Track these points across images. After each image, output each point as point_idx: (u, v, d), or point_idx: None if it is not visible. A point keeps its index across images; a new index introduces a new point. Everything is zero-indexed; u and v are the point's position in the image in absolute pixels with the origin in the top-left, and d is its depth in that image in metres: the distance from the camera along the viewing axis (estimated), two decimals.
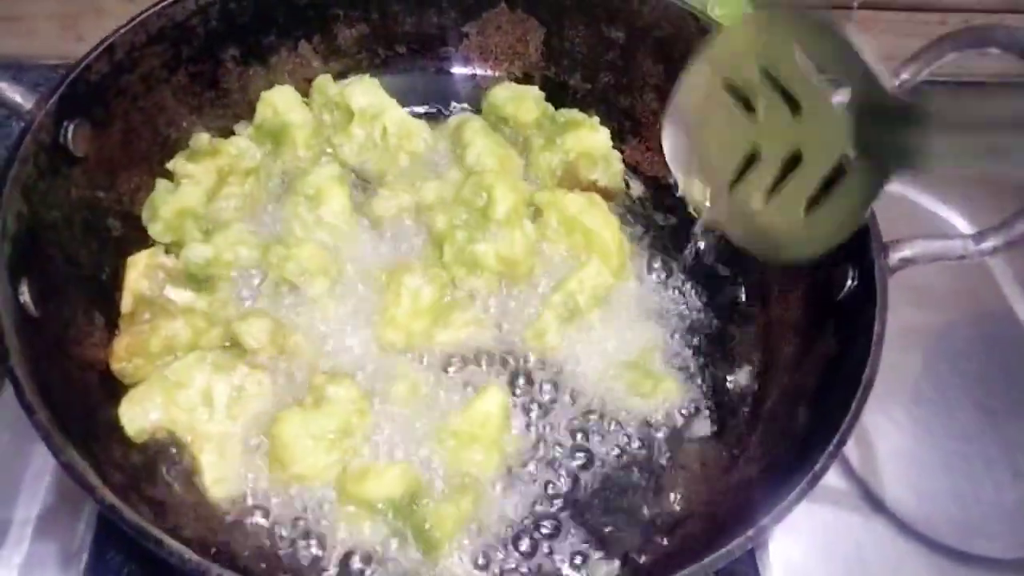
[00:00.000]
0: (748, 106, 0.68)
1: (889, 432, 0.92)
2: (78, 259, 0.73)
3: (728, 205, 0.70)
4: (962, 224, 1.06)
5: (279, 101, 0.86)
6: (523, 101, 0.91)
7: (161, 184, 0.81)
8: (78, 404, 0.66)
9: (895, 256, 0.67)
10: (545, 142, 0.89)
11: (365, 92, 0.87)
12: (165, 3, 0.79)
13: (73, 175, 0.73)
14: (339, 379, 0.71)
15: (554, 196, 0.83)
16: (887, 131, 0.60)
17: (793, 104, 0.66)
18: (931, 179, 1.08)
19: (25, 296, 0.63)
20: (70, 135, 0.71)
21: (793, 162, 0.66)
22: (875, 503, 0.88)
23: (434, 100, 0.96)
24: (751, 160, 0.68)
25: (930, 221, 1.06)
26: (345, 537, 0.67)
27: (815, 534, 0.85)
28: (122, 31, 0.76)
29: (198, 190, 0.79)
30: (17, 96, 0.68)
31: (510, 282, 0.80)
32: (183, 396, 0.68)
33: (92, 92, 0.74)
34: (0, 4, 1.12)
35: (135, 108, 0.80)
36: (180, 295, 0.73)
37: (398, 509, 0.67)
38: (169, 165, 0.82)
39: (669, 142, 0.72)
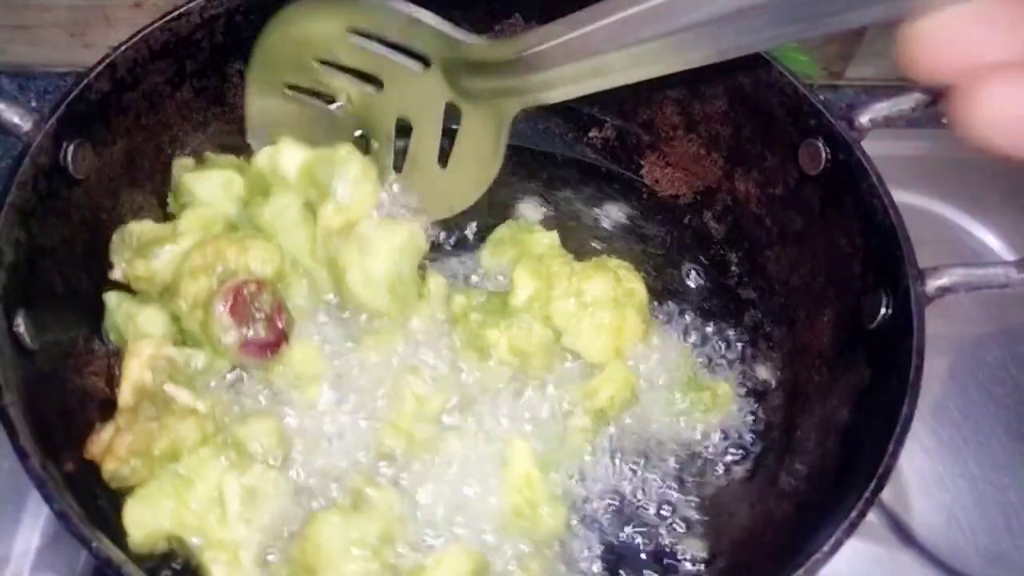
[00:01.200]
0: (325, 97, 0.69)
1: (916, 457, 0.89)
2: (79, 284, 0.71)
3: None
4: (995, 243, 1.03)
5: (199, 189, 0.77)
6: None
7: (111, 299, 0.72)
8: (76, 437, 0.64)
9: (932, 284, 0.64)
10: None
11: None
12: (169, 17, 0.76)
13: (74, 197, 0.70)
14: (377, 482, 0.65)
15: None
16: (482, 80, 0.62)
17: (371, 79, 0.67)
18: (964, 199, 1.05)
19: (21, 328, 0.61)
20: (70, 156, 0.68)
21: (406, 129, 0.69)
22: (903, 534, 0.85)
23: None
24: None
25: (962, 241, 1.03)
26: None
27: (841, 566, 0.82)
28: (124, 47, 0.73)
29: (161, 311, 0.71)
30: (15, 117, 0.66)
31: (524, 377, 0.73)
32: (194, 495, 0.61)
33: (93, 111, 0.71)
34: (8, 13, 1.11)
35: (138, 126, 0.77)
36: (180, 394, 0.65)
37: None
38: (116, 275, 0.73)
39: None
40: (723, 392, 0.75)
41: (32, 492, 0.75)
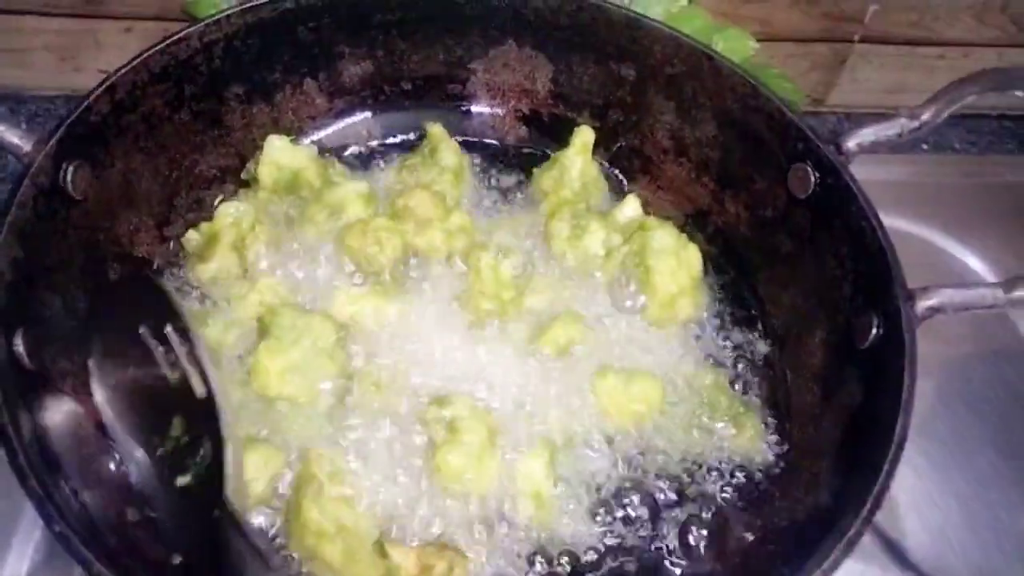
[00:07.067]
0: None
1: (906, 476, 0.90)
2: (75, 304, 0.71)
3: None
4: (978, 266, 1.05)
5: (280, 155, 0.84)
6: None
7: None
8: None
9: (922, 305, 0.65)
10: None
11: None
12: (168, 41, 0.77)
13: (72, 218, 0.71)
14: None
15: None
16: None
17: None
18: (947, 223, 1.07)
19: (20, 347, 0.61)
20: (69, 177, 0.69)
21: None
22: (895, 553, 0.85)
23: None
24: None
25: (945, 264, 1.05)
26: None
27: None
28: (123, 70, 0.74)
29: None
30: (15, 138, 0.66)
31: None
32: None
33: (93, 133, 0.72)
34: None
35: (136, 148, 0.77)
36: None
37: None
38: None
39: None
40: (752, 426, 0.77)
41: (23, 518, 0.74)
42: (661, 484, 0.73)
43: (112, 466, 0.67)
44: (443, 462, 0.68)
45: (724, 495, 0.73)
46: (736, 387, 0.80)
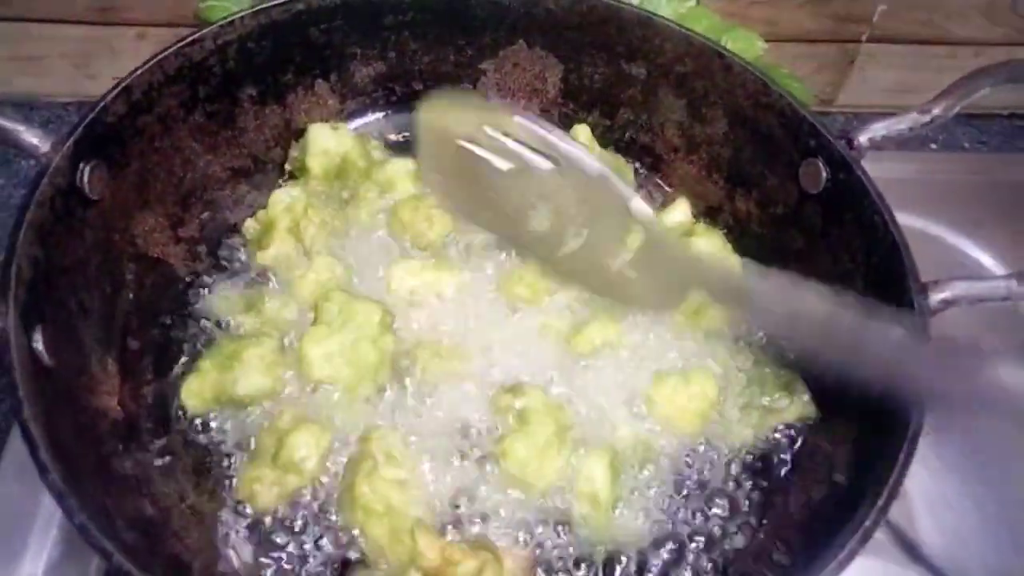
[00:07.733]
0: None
1: (919, 473, 0.89)
2: (91, 304, 0.71)
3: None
4: (989, 262, 1.05)
5: (327, 142, 0.87)
6: None
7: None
8: (91, 456, 0.64)
9: (935, 298, 0.65)
10: None
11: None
12: (182, 43, 0.78)
13: (88, 218, 0.71)
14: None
15: None
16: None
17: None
18: (958, 219, 1.07)
19: (39, 344, 0.61)
20: (86, 178, 0.69)
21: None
22: (911, 553, 0.85)
23: None
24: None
25: (957, 260, 1.05)
26: None
27: None
28: (139, 72, 0.74)
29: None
30: (34, 139, 0.67)
31: None
32: None
33: (109, 133, 0.72)
34: (14, 44, 1.12)
35: (152, 149, 0.78)
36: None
37: None
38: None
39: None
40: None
41: (39, 517, 0.75)
42: (729, 483, 0.73)
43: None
44: (509, 450, 0.68)
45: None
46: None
